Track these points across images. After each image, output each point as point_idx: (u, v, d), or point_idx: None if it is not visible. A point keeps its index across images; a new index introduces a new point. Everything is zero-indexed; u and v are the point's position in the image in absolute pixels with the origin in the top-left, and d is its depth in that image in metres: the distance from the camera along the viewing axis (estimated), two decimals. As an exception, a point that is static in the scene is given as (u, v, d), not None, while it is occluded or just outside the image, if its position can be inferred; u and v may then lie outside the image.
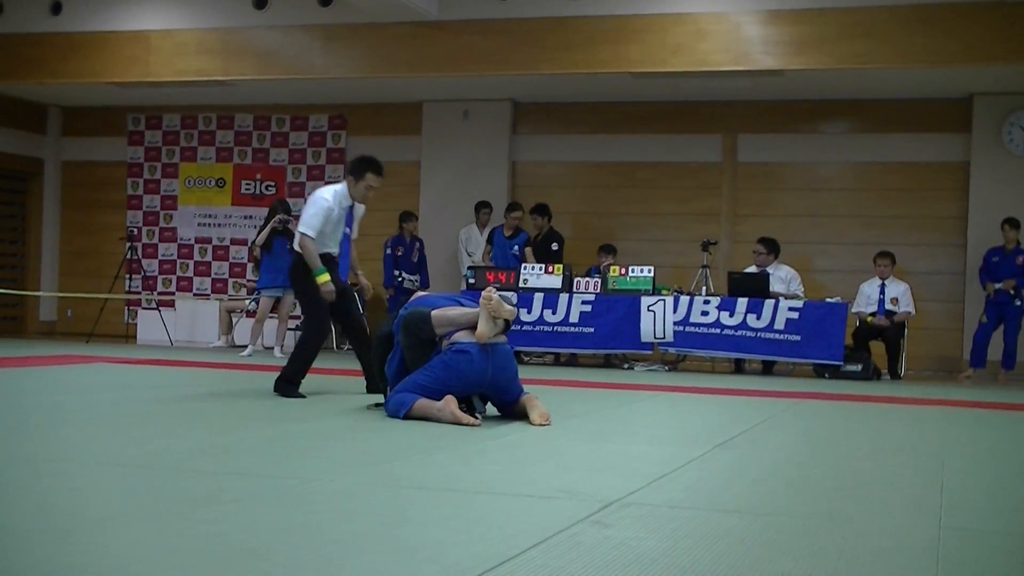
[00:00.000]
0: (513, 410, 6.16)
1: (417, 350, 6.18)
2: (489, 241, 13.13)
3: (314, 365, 7.37)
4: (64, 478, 3.98)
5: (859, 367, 11.00)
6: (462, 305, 6.31)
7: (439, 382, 5.98)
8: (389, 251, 13.29)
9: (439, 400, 5.90)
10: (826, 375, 11.13)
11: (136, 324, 15.12)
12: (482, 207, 13.50)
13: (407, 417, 5.93)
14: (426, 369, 6.08)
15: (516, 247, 12.88)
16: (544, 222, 13.06)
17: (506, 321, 6.13)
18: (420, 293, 7.01)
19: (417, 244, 13.43)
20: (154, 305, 14.77)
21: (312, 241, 7.36)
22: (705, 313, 11.27)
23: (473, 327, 6.02)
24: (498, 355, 6.07)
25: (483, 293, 6.05)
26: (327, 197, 7.47)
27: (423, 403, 5.93)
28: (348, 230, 7.67)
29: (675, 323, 11.27)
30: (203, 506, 3.45)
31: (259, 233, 12.15)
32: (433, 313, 6.11)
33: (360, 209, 7.95)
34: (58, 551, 2.84)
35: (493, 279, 11.59)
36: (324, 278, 7.33)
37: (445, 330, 6.08)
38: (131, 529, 3.12)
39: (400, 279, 13.18)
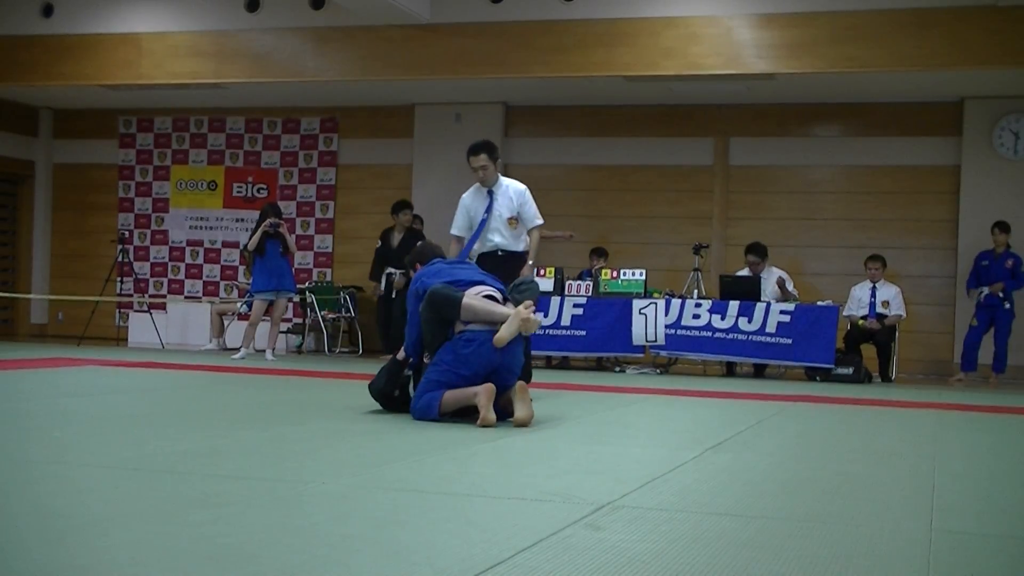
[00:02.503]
0: (499, 402, 6.08)
1: (435, 326, 6.19)
2: None
3: (310, 368, 7.38)
4: (59, 480, 3.97)
5: (850, 370, 11.02)
6: (479, 282, 6.38)
7: (453, 374, 6.05)
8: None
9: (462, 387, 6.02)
10: (817, 378, 11.15)
11: (127, 327, 15.10)
12: None
13: (442, 414, 5.99)
14: (435, 364, 6.14)
15: None
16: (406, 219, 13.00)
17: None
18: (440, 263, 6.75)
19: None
20: (145, 308, 14.75)
21: (455, 239, 7.78)
22: (697, 316, 11.29)
23: (492, 322, 6.07)
24: (510, 345, 6.11)
25: (522, 307, 6.05)
26: (464, 195, 7.79)
27: (452, 393, 6.00)
28: (486, 215, 7.68)
29: (667, 326, 11.28)
30: (197, 508, 3.45)
31: (251, 237, 12.13)
32: (464, 302, 6.10)
33: (508, 192, 7.75)
34: (53, 553, 2.84)
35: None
36: None
37: (467, 318, 6.11)
38: (126, 531, 3.12)
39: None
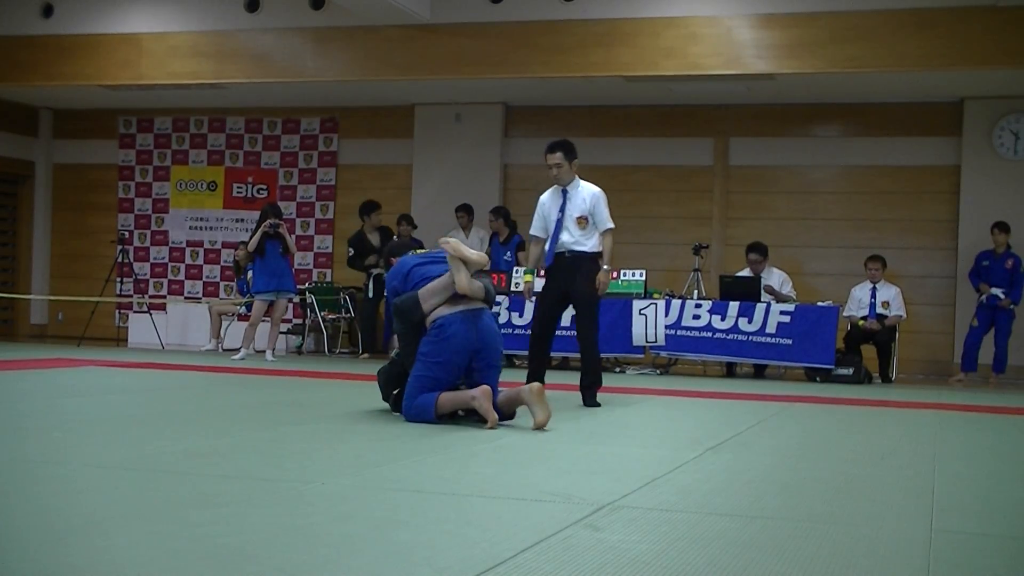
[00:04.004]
0: (495, 400, 6.02)
1: (410, 336, 6.17)
2: (490, 244, 13.20)
3: (312, 369, 7.38)
4: (59, 480, 3.97)
5: (850, 371, 11.01)
6: (438, 262, 6.32)
7: (434, 364, 6.00)
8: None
9: (447, 389, 5.98)
10: (817, 379, 11.14)
11: (127, 327, 15.10)
12: (460, 210, 13.48)
13: (439, 417, 5.93)
14: (419, 359, 6.07)
15: (508, 252, 12.93)
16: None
17: (486, 291, 6.17)
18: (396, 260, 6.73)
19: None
20: (145, 308, 14.75)
21: (532, 240, 7.88)
22: (697, 317, 11.29)
23: (452, 293, 6.06)
24: (482, 319, 6.12)
25: (440, 240, 6.17)
26: (543, 195, 7.82)
27: (448, 395, 5.95)
28: (560, 215, 7.60)
29: (667, 326, 11.28)
30: (197, 508, 3.45)
31: (251, 238, 12.12)
32: (419, 293, 6.13)
33: (582, 193, 7.63)
34: (54, 553, 2.84)
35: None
36: (526, 278, 7.88)
37: (432, 304, 6.08)
38: (126, 531, 3.12)
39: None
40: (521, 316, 11.51)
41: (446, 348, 6.01)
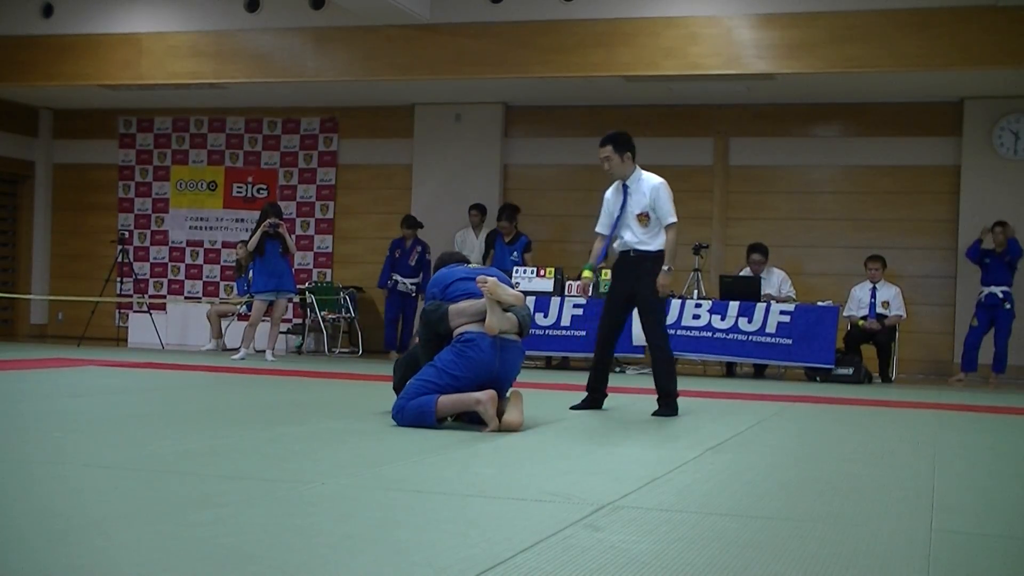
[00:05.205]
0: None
1: (431, 344, 6.08)
2: (491, 246, 13.21)
3: (312, 369, 7.36)
4: (59, 480, 3.97)
5: (850, 371, 11.02)
6: (472, 292, 6.15)
7: (448, 375, 5.87)
8: (388, 253, 13.42)
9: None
10: (817, 378, 11.15)
11: (127, 327, 15.10)
12: (473, 209, 13.54)
13: (439, 420, 5.81)
14: (433, 365, 5.95)
15: (515, 252, 12.94)
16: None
17: (520, 324, 6.06)
18: (452, 267, 6.49)
19: (418, 248, 13.48)
20: (145, 308, 14.75)
21: (597, 237, 7.38)
22: (697, 316, 11.29)
23: (483, 317, 5.92)
24: (508, 351, 6.01)
25: (477, 279, 5.97)
26: (607, 191, 7.38)
27: (449, 397, 5.83)
28: (621, 212, 7.17)
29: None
30: (197, 509, 3.45)
31: (251, 237, 12.12)
32: (450, 308, 6.01)
33: (643, 187, 7.17)
34: (53, 553, 2.84)
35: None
36: (584, 274, 7.47)
37: (459, 322, 5.98)
38: (125, 532, 3.12)
39: (394, 282, 13.29)
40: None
41: (468, 366, 5.88)
